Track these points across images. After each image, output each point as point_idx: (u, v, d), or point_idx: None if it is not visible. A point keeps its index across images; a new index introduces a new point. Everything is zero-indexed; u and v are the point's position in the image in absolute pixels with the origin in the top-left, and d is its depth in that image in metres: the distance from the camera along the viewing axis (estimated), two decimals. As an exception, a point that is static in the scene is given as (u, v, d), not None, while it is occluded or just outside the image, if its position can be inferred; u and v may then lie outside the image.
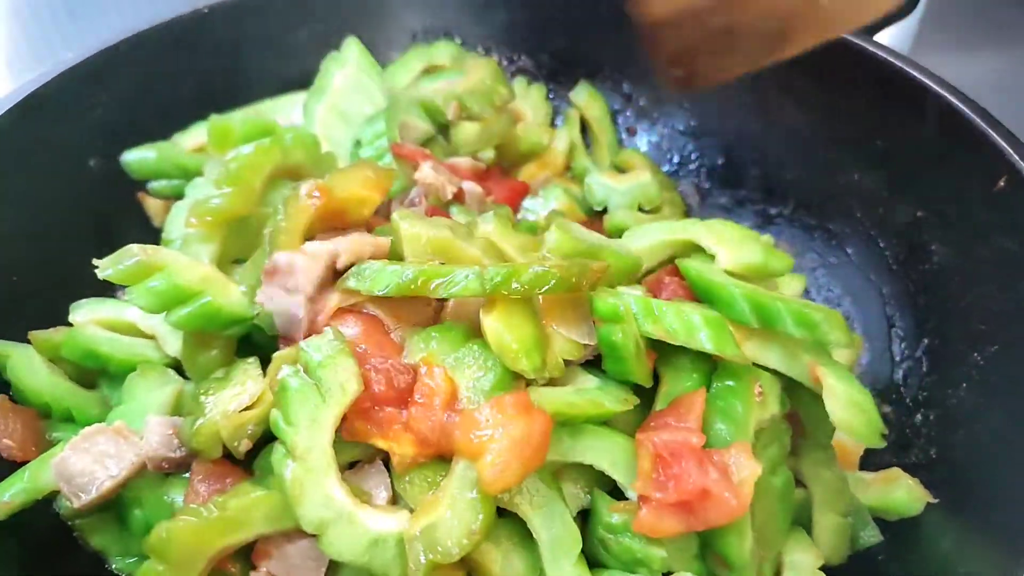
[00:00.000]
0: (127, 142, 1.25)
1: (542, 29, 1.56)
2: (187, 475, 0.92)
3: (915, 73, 1.19)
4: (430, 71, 1.47)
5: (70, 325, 1.09)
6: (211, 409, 0.89)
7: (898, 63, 1.21)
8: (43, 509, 0.93)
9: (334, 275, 0.94)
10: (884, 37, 1.56)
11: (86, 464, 0.89)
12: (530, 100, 1.57)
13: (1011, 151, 1.05)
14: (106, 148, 1.23)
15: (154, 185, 1.25)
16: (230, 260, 1.03)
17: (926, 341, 1.13)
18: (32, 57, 2.14)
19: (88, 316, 1.09)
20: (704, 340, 0.88)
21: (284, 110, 1.35)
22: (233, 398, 0.91)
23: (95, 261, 0.93)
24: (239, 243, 1.03)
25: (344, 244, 0.95)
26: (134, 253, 0.93)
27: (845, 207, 1.29)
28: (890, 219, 1.23)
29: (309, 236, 0.99)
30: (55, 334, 1.07)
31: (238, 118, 1.17)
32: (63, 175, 1.20)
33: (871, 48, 1.24)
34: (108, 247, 1.18)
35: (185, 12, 1.36)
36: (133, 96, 1.28)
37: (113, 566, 0.95)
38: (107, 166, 1.22)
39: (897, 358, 1.15)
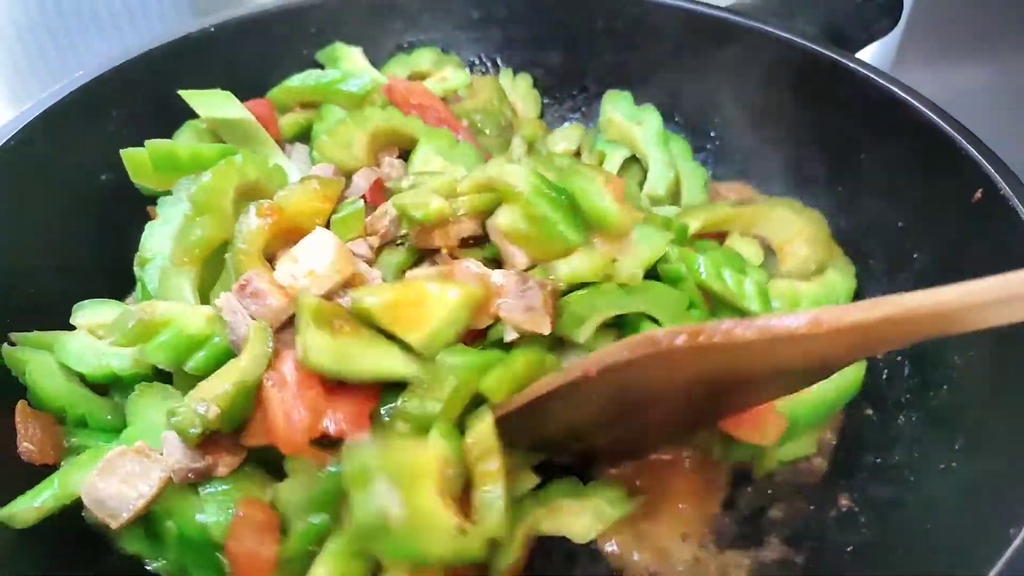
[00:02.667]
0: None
1: (536, 44, 1.61)
2: (213, 488, 0.94)
3: (895, 89, 1.25)
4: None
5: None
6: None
7: (880, 80, 1.27)
8: (74, 514, 0.95)
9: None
10: (867, 51, 1.63)
11: (115, 487, 0.92)
12: (519, 92, 1.60)
13: (987, 164, 1.10)
14: (117, 163, 1.27)
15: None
16: (211, 284, 1.07)
17: (907, 345, 1.18)
18: (33, 78, 2.17)
19: (88, 319, 1.12)
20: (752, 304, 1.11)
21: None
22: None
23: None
24: (215, 266, 1.06)
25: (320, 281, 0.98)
26: (133, 314, 0.97)
27: (831, 218, 1.33)
28: (874, 228, 1.28)
29: (269, 253, 1.04)
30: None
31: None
32: (76, 189, 1.24)
33: (854, 65, 1.30)
34: (120, 257, 1.24)
35: (192, 31, 1.40)
36: (143, 113, 1.32)
37: (151, 566, 0.98)
38: (118, 181, 1.25)
39: (880, 362, 1.20)
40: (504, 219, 1.03)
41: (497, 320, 0.99)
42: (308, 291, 0.96)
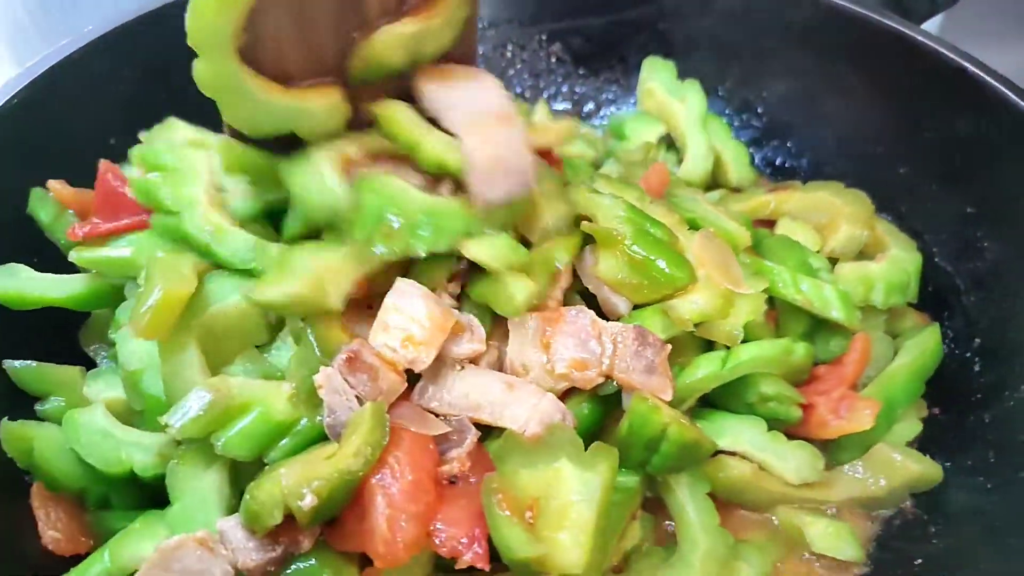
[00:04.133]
0: (146, 119, 1.20)
1: (575, 9, 1.51)
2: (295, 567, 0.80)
3: (967, 64, 1.16)
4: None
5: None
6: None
7: (949, 53, 1.17)
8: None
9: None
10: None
11: None
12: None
13: (1073, 147, 1.02)
14: (126, 125, 1.18)
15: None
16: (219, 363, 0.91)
17: (978, 341, 1.10)
18: (37, 36, 2.07)
19: (106, 393, 0.97)
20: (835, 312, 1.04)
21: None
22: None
23: (162, 419, 0.82)
24: (215, 345, 0.91)
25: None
26: (204, 396, 0.81)
27: (890, 203, 1.25)
28: (938, 215, 1.20)
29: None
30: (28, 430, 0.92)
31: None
32: (83, 152, 1.14)
33: (921, 37, 1.21)
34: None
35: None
36: (155, 72, 1.22)
37: None
38: (128, 143, 1.16)
39: (947, 358, 1.12)
40: (606, 268, 0.93)
41: (608, 378, 0.88)
42: (419, 363, 0.84)
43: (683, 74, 1.43)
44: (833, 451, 1.02)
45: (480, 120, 0.90)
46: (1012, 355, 1.03)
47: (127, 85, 1.21)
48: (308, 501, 0.74)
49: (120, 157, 1.18)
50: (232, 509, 0.84)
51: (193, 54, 1.25)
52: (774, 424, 0.97)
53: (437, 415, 0.86)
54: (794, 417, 0.98)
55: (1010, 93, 1.10)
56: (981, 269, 1.12)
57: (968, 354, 1.10)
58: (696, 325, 0.92)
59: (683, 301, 0.92)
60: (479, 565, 0.76)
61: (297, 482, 0.75)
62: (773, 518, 1.00)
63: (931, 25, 1.94)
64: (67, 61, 1.12)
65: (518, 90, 1.57)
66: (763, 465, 0.96)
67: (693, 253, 0.97)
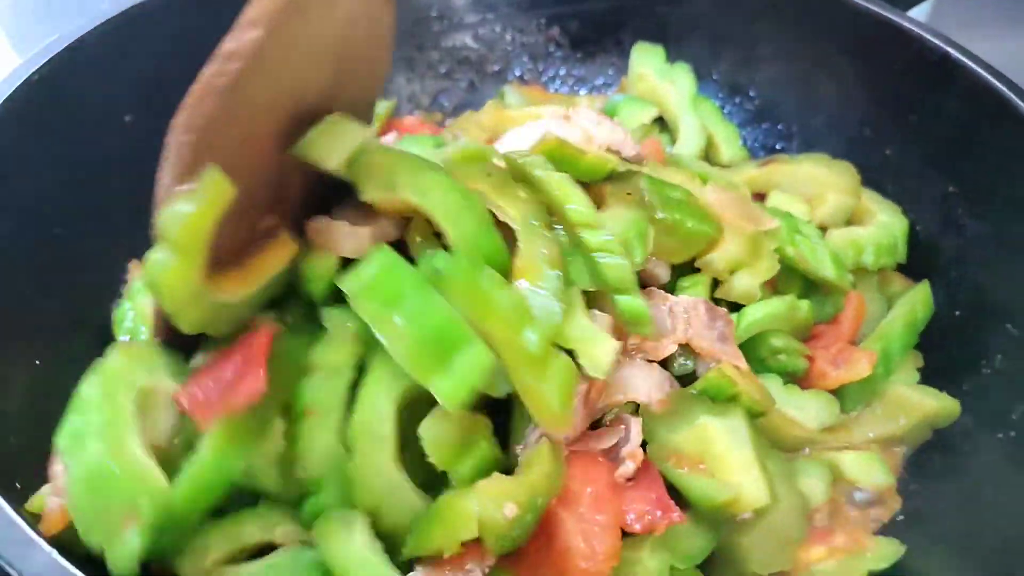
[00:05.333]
0: (162, 98, 1.22)
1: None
2: None
3: (950, 50, 1.21)
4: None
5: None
6: None
7: (934, 40, 1.22)
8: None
9: None
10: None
11: None
12: None
13: (1050, 131, 1.07)
14: (140, 104, 1.22)
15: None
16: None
17: (958, 313, 1.15)
18: (40, 22, 2.08)
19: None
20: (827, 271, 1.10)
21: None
22: None
23: None
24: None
25: None
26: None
27: (876, 182, 1.30)
28: (922, 194, 1.24)
29: None
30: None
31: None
32: (98, 131, 1.18)
33: (907, 24, 1.26)
34: (145, 204, 1.18)
35: (217, -33, 1.33)
36: (168, 50, 1.25)
37: None
38: (142, 123, 1.20)
39: (926, 329, 1.16)
40: None
41: (681, 347, 0.91)
42: None
43: (677, 58, 1.47)
44: (841, 399, 1.06)
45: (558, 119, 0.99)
46: (988, 328, 1.08)
47: (141, 64, 1.23)
48: (509, 510, 0.73)
49: (134, 135, 1.22)
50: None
51: (211, 33, 1.29)
52: (783, 377, 1.03)
53: None
54: (802, 368, 1.04)
55: (990, 78, 1.15)
56: (961, 246, 1.17)
57: (948, 327, 1.15)
58: (731, 273, 0.99)
59: (717, 254, 0.99)
60: (677, 520, 0.80)
61: (494, 495, 0.74)
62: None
63: (919, 13, 1.99)
64: (85, 39, 1.15)
65: (517, 73, 1.61)
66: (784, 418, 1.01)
67: (711, 205, 1.03)
